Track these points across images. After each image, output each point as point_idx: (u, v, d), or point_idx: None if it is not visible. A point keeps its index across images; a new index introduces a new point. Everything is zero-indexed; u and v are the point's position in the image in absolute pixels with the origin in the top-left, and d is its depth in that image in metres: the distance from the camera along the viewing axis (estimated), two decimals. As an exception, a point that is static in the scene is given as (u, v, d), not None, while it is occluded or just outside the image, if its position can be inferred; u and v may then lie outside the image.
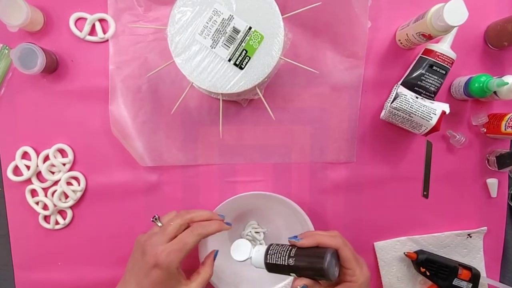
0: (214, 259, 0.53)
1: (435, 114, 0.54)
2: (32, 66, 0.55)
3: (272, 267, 0.47)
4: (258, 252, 0.48)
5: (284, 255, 0.46)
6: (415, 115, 0.55)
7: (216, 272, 0.60)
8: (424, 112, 0.54)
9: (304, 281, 0.45)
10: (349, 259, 0.45)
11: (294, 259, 0.45)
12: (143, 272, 0.47)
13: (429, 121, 0.55)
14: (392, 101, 0.56)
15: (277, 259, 0.46)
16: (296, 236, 0.47)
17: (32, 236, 0.63)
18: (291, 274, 0.46)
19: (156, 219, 0.51)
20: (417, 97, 0.56)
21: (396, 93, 0.56)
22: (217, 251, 0.54)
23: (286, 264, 0.45)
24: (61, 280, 0.64)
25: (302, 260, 0.45)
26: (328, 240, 0.45)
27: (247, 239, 0.63)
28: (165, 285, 0.47)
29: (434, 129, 0.55)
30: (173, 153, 0.62)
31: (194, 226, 0.50)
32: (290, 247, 0.47)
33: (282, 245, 0.48)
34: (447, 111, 0.55)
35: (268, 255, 0.47)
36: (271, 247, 0.48)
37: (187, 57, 0.51)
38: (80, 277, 0.64)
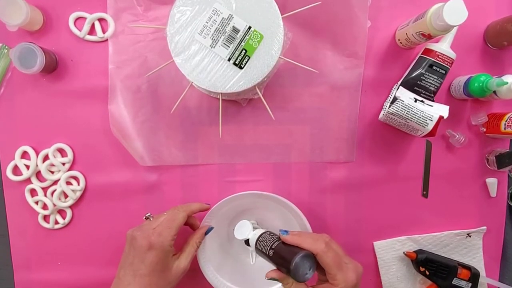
0: (206, 234, 0.56)
1: (432, 120, 0.54)
2: (32, 65, 0.55)
3: (259, 253, 0.50)
4: (254, 236, 0.52)
5: (268, 245, 0.48)
6: (411, 120, 0.55)
7: (215, 272, 0.60)
8: (421, 118, 0.54)
9: (275, 273, 0.47)
10: (329, 265, 0.44)
11: (273, 251, 0.47)
12: (138, 259, 0.49)
13: (425, 127, 0.55)
14: (390, 105, 0.56)
15: (262, 247, 0.49)
16: (287, 231, 0.48)
17: (32, 236, 0.63)
18: (271, 263, 0.48)
19: (148, 216, 0.55)
20: (416, 100, 0.56)
21: (394, 96, 0.56)
22: (211, 228, 0.57)
23: (266, 253, 0.48)
24: (60, 279, 0.64)
25: (278, 254, 0.47)
26: (307, 244, 0.45)
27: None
28: (162, 264, 0.49)
29: (430, 134, 0.55)
30: (173, 152, 0.62)
31: (178, 205, 0.55)
32: (276, 240, 0.49)
33: (274, 235, 0.51)
34: (445, 115, 0.55)
35: (258, 241, 0.50)
36: (264, 234, 0.51)
37: (187, 57, 0.51)
38: (80, 277, 0.64)
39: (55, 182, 0.62)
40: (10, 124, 0.61)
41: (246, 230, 0.53)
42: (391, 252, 0.65)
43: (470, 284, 0.62)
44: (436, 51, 0.57)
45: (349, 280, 0.45)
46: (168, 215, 0.52)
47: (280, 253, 0.47)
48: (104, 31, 0.60)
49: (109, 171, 0.62)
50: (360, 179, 0.64)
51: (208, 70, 0.51)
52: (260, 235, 0.51)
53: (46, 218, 0.63)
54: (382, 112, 0.61)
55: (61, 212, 0.63)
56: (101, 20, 0.60)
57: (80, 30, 0.60)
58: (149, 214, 0.55)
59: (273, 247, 0.48)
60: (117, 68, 0.60)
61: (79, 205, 0.63)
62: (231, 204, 0.60)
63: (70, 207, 0.63)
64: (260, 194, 0.58)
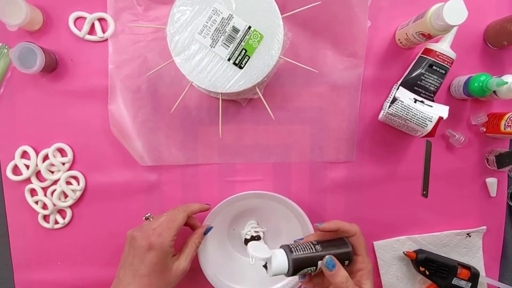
0: (205, 234, 0.56)
1: (431, 121, 0.54)
2: (31, 65, 0.55)
3: (298, 262, 0.45)
4: (277, 253, 0.46)
5: (309, 246, 0.47)
6: (411, 121, 0.55)
7: (215, 272, 0.60)
8: (420, 119, 0.54)
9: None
10: (362, 246, 0.48)
11: (320, 245, 0.47)
12: (138, 259, 0.49)
13: (424, 127, 0.55)
14: (389, 105, 0.56)
15: (303, 250, 0.46)
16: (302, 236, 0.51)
17: (32, 236, 0.63)
18: (318, 263, 0.46)
19: (148, 216, 0.55)
20: (415, 100, 0.56)
21: (394, 97, 0.56)
22: (210, 227, 0.57)
23: (314, 251, 0.46)
24: (60, 279, 0.64)
25: (327, 246, 0.47)
26: (346, 225, 0.49)
27: (246, 238, 0.63)
28: (161, 264, 0.50)
29: (430, 134, 0.55)
30: (173, 152, 0.62)
31: (178, 206, 0.55)
32: (310, 242, 0.48)
33: (298, 243, 0.48)
34: (445, 116, 0.55)
35: (293, 249, 0.46)
36: (290, 245, 0.47)
37: (187, 57, 0.51)
38: (80, 277, 0.64)
39: (55, 182, 0.62)
40: (10, 124, 0.61)
41: (264, 248, 0.47)
42: (391, 252, 0.65)
43: (470, 284, 0.62)
44: (436, 51, 0.57)
45: (371, 263, 0.49)
46: (168, 216, 0.52)
47: (330, 244, 0.48)
48: (104, 31, 0.60)
49: (109, 171, 0.62)
50: (360, 179, 0.64)
51: (208, 70, 0.51)
52: (289, 246, 0.47)
53: (46, 218, 0.63)
54: (381, 112, 0.61)
55: (61, 212, 0.63)
56: (101, 20, 0.60)
57: (80, 30, 0.60)
58: (149, 214, 0.55)
59: (315, 243, 0.47)
60: (117, 68, 0.60)
61: (79, 205, 0.63)
62: (233, 204, 0.60)
63: (70, 207, 0.63)
64: (264, 194, 0.58)
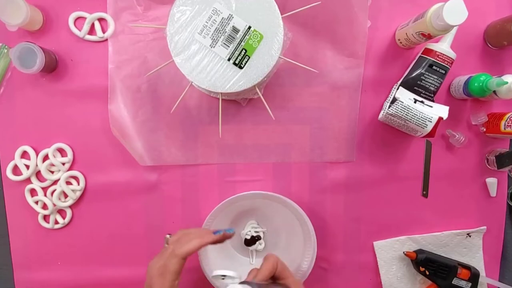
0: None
1: (431, 122, 0.54)
2: (31, 65, 0.55)
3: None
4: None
5: (262, 283, 0.45)
6: (411, 122, 0.55)
7: (217, 271, 0.60)
8: (420, 120, 0.54)
9: None
10: (286, 268, 0.46)
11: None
12: None
13: (424, 128, 0.55)
14: (389, 105, 0.56)
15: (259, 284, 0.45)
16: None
17: (32, 236, 0.63)
18: None
19: (167, 239, 0.50)
20: (415, 101, 0.56)
21: (394, 97, 0.56)
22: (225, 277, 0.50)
23: (268, 283, 0.45)
24: (60, 279, 0.64)
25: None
26: (266, 271, 0.45)
27: (246, 238, 0.63)
28: None
29: (429, 135, 0.55)
30: (173, 152, 0.62)
31: (175, 246, 0.47)
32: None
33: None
34: (445, 116, 0.55)
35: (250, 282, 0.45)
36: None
37: (187, 57, 0.51)
38: (80, 277, 0.64)
39: (55, 182, 0.62)
40: (10, 124, 0.61)
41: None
42: (391, 252, 0.65)
43: (470, 284, 0.62)
44: (436, 51, 0.57)
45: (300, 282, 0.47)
46: (165, 259, 0.47)
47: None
48: (104, 31, 0.60)
49: (109, 171, 0.62)
50: (360, 179, 0.64)
51: (208, 70, 0.51)
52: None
53: (46, 218, 0.63)
54: (381, 112, 0.61)
55: (61, 212, 0.63)
56: (101, 20, 0.60)
57: (80, 30, 0.60)
58: (168, 236, 0.51)
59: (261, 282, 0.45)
60: (117, 68, 0.60)
61: (79, 205, 0.63)
62: (233, 205, 0.60)
63: (70, 207, 0.63)
64: (264, 194, 0.58)
